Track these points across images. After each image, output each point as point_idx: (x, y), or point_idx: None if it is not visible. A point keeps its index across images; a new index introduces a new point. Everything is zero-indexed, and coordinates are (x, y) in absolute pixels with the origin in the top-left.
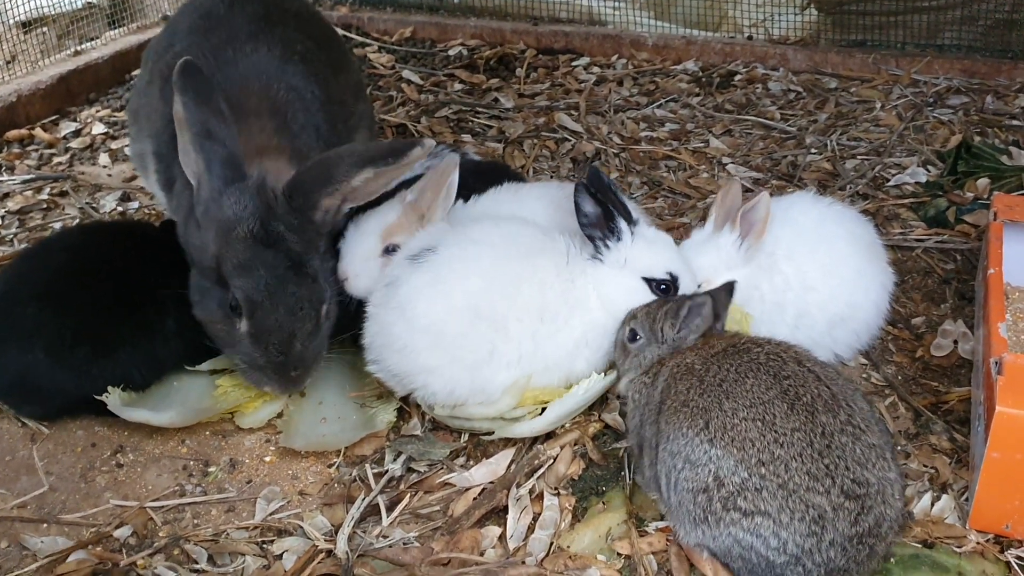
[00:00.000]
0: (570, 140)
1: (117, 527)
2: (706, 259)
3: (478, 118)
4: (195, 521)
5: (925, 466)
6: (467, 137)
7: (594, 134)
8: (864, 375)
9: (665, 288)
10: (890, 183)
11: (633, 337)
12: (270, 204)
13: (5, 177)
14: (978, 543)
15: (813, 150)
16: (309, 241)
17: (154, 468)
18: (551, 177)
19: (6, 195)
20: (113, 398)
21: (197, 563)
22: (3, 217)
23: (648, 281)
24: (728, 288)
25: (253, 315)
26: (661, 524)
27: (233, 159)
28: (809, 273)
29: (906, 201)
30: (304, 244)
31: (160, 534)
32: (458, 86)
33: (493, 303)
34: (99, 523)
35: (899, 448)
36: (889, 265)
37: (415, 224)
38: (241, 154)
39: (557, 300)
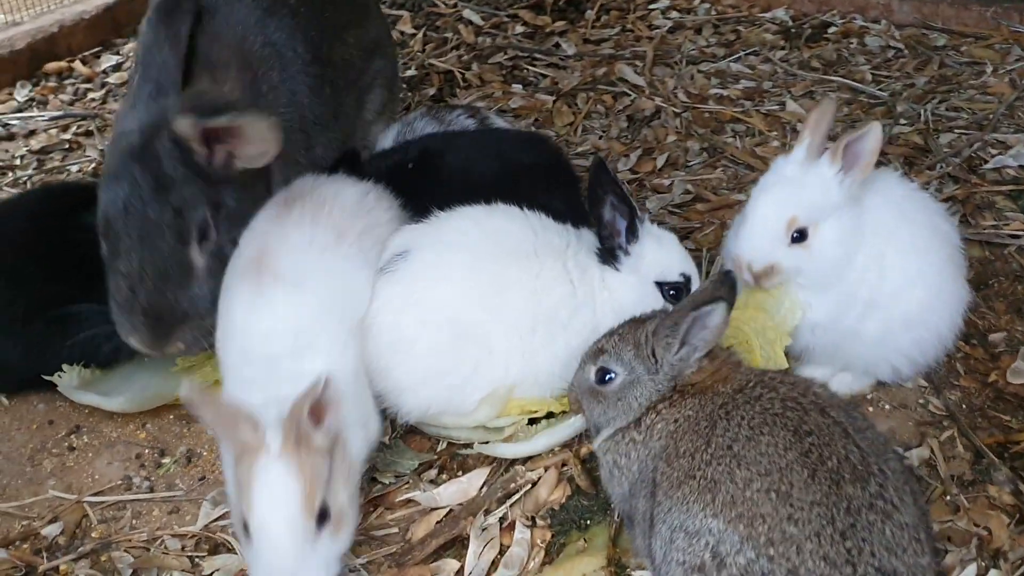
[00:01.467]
0: (629, 95)
1: (49, 522)
2: (805, 195)
3: (534, 66)
4: (133, 521)
5: (976, 525)
6: (517, 87)
7: (657, 89)
8: (921, 400)
9: (676, 293)
10: (988, 165)
11: (603, 379)
12: (166, 127)
13: (36, 112)
14: None
15: (903, 120)
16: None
17: (106, 454)
18: (600, 138)
19: (32, 132)
20: (68, 378)
21: None
22: (23, 157)
23: (660, 285)
24: (730, 283)
25: (107, 234)
26: (646, 574)
27: (163, 83)
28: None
29: (1004, 188)
30: (189, 185)
31: (93, 534)
32: (520, 28)
33: (472, 315)
34: (33, 516)
35: (948, 500)
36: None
37: (332, 469)
38: (177, 82)
39: (552, 308)
